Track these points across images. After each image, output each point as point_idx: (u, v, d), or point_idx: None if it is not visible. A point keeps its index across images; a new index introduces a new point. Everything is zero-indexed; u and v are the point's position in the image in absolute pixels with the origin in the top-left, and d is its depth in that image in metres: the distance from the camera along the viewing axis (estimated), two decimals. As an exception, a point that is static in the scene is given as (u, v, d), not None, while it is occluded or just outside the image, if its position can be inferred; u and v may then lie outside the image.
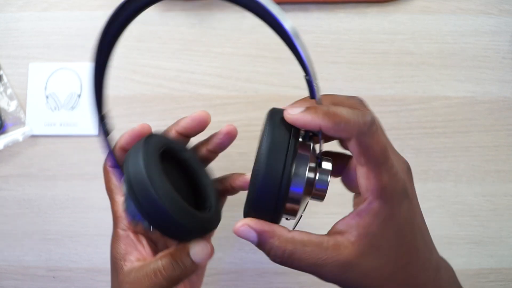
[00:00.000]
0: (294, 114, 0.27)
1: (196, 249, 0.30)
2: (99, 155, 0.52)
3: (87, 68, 0.53)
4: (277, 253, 0.27)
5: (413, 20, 0.55)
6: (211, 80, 0.53)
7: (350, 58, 0.54)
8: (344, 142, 0.28)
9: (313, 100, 0.29)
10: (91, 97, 0.31)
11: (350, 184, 0.31)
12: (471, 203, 0.51)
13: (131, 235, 0.33)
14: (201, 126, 0.36)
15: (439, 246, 0.50)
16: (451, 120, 0.53)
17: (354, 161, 0.28)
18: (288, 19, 0.28)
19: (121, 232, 0.33)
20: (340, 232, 0.27)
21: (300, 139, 0.29)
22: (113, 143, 0.35)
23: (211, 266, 0.49)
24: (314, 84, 0.28)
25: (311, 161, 0.28)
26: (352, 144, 0.26)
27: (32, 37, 0.54)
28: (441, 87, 0.53)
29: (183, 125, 0.36)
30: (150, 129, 0.36)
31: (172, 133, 0.36)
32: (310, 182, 0.29)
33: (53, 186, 0.51)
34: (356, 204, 0.30)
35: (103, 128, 0.31)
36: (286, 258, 0.27)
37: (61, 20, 0.54)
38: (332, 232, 0.28)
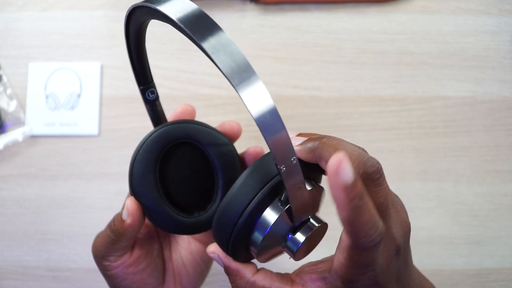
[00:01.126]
0: None
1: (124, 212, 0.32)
2: (99, 155, 0.52)
3: (87, 68, 0.53)
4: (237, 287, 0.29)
5: (413, 20, 0.55)
6: (211, 80, 0.53)
7: (350, 58, 0.54)
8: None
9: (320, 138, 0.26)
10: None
11: None
12: (471, 203, 0.51)
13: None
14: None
15: (439, 246, 0.51)
16: (451, 120, 0.53)
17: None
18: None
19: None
20: (303, 286, 0.27)
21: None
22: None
23: (211, 266, 0.49)
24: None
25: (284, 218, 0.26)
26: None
27: (32, 37, 0.54)
28: (441, 87, 0.53)
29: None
30: (193, 110, 0.36)
31: None
32: (277, 235, 0.27)
33: (53, 186, 0.51)
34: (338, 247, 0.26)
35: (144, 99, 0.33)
36: None
37: (61, 20, 0.54)
38: (297, 279, 0.27)
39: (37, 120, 0.52)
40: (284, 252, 0.28)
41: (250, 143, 0.47)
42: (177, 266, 0.37)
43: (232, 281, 0.29)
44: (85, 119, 0.52)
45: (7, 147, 0.51)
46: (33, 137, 0.52)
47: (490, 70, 0.54)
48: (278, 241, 0.27)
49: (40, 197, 0.51)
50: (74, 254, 0.50)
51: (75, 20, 0.54)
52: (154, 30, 0.54)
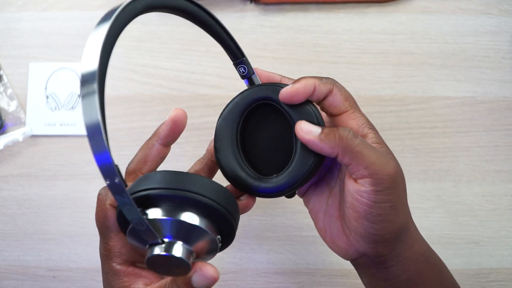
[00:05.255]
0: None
1: (197, 279, 0.28)
2: (99, 155, 0.52)
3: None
4: None
5: (413, 20, 0.55)
6: (211, 80, 0.53)
7: (350, 58, 0.54)
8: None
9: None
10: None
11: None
12: (471, 203, 0.51)
13: (130, 268, 0.31)
14: (180, 129, 0.33)
15: (439, 246, 0.51)
16: (451, 120, 0.53)
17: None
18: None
19: (118, 266, 0.31)
20: None
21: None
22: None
23: (211, 266, 0.49)
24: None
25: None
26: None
27: (32, 37, 0.54)
28: (441, 87, 0.53)
29: (163, 135, 0.33)
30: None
31: (156, 148, 0.33)
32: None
33: (53, 186, 0.51)
34: None
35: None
36: None
37: (61, 20, 0.54)
38: None
39: (37, 120, 0.52)
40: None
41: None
42: None
43: None
44: (85, 119, 0.52)
45: (7, 147, 0.51)
46: (34, 137, 0.52)
47: (490, 70, 0.54)
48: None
49: (40, 197, 0.51)
50: (74, 254, 0.50)
51: (75, 20, 0.54)
52: (155, 29, 0.54)
